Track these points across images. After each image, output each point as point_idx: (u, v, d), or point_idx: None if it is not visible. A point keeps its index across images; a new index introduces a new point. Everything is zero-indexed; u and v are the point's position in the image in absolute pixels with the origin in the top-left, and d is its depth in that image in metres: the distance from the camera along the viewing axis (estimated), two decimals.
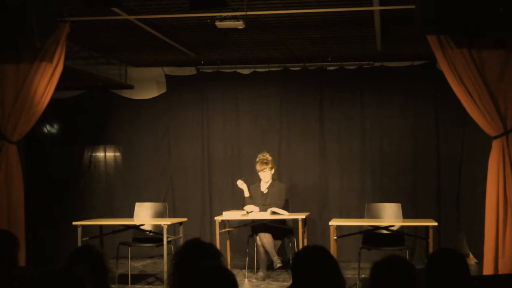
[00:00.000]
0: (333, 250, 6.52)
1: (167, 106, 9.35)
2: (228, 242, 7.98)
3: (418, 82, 8.74)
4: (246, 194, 7.78)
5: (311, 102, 9.00)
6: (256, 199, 7.74)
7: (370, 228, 7.05)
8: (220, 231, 7.41)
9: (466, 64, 6.05)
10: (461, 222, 8.60)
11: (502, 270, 5.98)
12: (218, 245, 6.91)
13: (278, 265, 7.40)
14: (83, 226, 7.10)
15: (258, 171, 7.77)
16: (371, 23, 6.71)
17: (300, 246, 7.23)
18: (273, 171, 7.81)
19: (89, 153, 9.53)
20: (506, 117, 6.09)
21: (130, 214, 8.05)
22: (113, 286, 6.91)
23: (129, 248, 7.57)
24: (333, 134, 8.97)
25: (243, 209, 7.67)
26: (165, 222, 7.02)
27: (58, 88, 6.59)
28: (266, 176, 7.75)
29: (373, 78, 8.89)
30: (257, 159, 7.86)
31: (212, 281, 2.23)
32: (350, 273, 7.47)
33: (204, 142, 9.25)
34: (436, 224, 6.63)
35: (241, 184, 7.78)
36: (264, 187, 7.80)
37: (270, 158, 7.83)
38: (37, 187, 8.90)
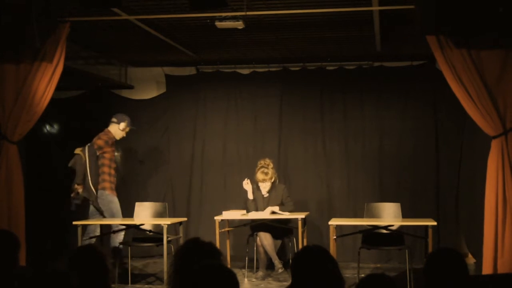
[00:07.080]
0: (332, 250, 6.53)
1: (167, 106, 9.35)
2: (228, 242, 7.99)
3: (417, 82, 8.73)
4: (250, 196, 7.71)
5: (311, 102, 9.00)
6: (258, 202, 7.72)
7: (369, 227, 7.06)
8: (220, 231, 7.41)
9: (465, 64, 6.05)
10: (460, 222, 8.60)
11: (501, 270, 5.99)
12: (218, 245, 6.91)
13: (280, 270, 7.40)
14: (83, 226, 7.11)
15: (258, 181, 7.73)
16: (370, 23, 6.72)
17: (300, 246, 7.22)
18: (273, 180, 7.75)
19: None
20: (505, 117, 6.09)
21: (130, 214, 8.05)
22: (113, 286, 6.91)
23: (129, 247, 7.59)
24: (332, 134, 8.96)
25: (244, 209, 7.67)
26: (165, 222, 7.03)
27: (58, 88, 6.59)
28: (265, 187, 7.69)
29: (372, 78, 8.88)
30: (258, 166, 7.79)
31: (213, 280, 2.24)
32: (349, 273, 7.48)
33: (204, 142, 9.24)
34: (435, 223, 6.63)
35: (246, 184, 7.71)
36: (264, 190, 7.78)
37: (271, 165, 7.75)
38: (37, 187, 8.89)
